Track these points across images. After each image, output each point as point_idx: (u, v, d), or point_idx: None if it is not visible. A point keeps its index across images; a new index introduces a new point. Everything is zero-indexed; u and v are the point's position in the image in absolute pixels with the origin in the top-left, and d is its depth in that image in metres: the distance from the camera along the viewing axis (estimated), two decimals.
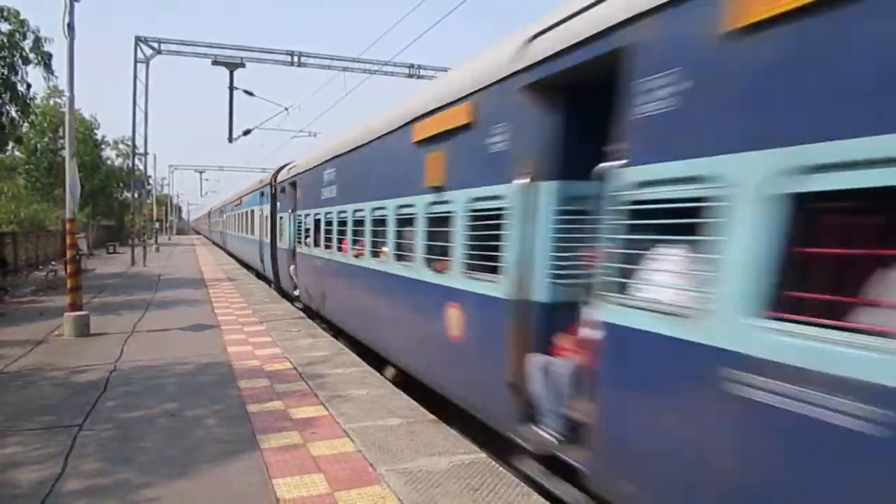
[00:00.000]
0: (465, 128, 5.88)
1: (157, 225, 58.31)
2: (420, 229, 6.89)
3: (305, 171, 14.00)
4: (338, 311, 11.25)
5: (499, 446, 5.51)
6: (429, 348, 6.83)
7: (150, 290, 18.32)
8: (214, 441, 5.68)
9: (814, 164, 2.64)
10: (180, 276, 23.72)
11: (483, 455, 5.36)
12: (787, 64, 2.79)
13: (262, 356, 9.32)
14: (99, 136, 46.77)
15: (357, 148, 9.67)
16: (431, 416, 6.43)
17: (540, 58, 4.67)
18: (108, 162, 51.82)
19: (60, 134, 35.27)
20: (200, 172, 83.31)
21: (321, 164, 12.25)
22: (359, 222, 9.48)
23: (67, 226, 11.52)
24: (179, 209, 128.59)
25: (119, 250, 41.14)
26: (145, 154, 31.65)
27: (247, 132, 29.92)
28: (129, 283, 21.04)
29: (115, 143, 52.93)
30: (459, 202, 5.94)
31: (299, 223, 14.44)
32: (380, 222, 8.41)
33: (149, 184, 49.08)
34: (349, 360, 9.08)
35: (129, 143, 32.33)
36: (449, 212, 6.17)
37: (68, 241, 11.47)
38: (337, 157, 11.02)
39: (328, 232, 11.55)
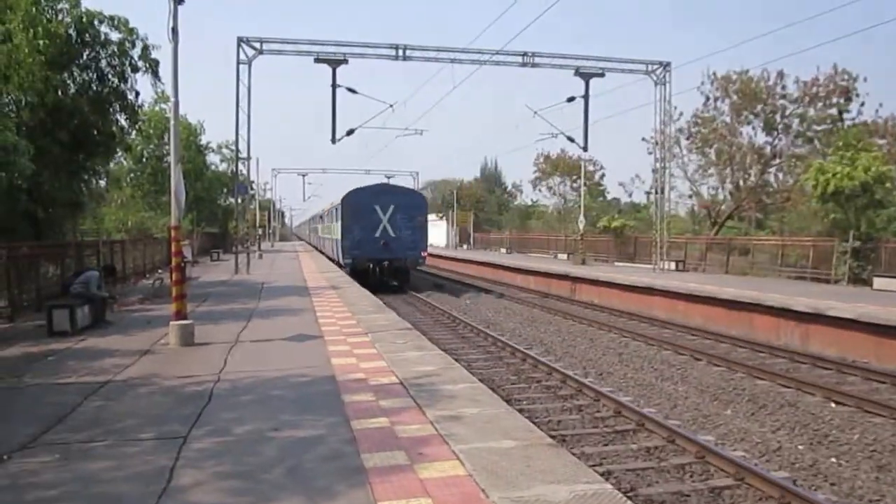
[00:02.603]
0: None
1: (259, 231, 61.27)
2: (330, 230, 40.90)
3: (338, 205, 34.88)
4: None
5: None
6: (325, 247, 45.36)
7: (254, 299, 19.30)
8: (317, 458, 5.82)
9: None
10: (283, 284, 24.83)
11: (609, 486, 5.14)
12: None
13: (366, 369, 9.51)
14: (203, 142, 49.69)
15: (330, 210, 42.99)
16: (549, 440, 6.28)
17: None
18: (212, 167, 54.94)
19: (165, 140, 37.76)
20: (303, 176, 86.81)
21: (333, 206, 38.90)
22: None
23: (172, 233, 12.23)
24: (282, 214, 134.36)
25: (223, 257, 43.74)
26: (248, 158, 32.92)
27: (350, 132, 30.89)
28: (232, 290, 22.31)
29: (219, 147, 56.04)
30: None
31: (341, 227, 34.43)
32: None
33: (252, 188, 51.59)
34: (459, 376, 9.06)
35: (233, 147, 34.00)
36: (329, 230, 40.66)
37: (173, 248, 12.14)
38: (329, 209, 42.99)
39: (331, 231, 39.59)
